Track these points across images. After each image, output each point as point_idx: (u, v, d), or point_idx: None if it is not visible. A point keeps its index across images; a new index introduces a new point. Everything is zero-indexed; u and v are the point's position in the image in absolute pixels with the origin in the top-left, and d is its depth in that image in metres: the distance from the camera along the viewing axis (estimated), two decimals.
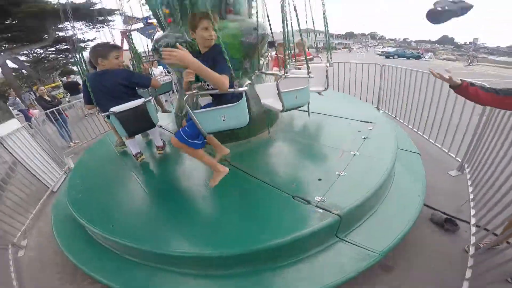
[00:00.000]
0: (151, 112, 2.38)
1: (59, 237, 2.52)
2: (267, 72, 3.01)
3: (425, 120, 3.78)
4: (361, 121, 3.27)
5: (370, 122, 3.20)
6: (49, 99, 6.40)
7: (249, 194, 2.18)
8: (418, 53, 34.25)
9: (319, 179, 2.18)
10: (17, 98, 11.30)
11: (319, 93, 3.45)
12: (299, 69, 3.17)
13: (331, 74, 3.45)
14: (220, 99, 1.87)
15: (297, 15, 2.56)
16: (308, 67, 2.52)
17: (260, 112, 3.08)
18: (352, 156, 2.49)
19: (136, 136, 2.92)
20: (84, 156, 3.85)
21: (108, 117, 2.26)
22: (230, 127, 1.85)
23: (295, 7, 2.56)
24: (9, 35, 15.62)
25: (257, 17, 2.64)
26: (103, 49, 2.25)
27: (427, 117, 3.72)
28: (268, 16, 2.74)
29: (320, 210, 1.84)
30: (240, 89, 1.73)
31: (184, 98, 1.77)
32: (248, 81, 2.32)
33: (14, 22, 14.01)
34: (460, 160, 3.16)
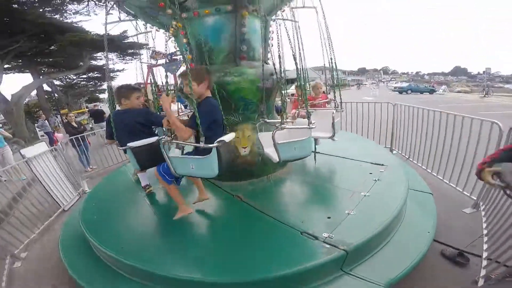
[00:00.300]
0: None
1: (64, 251, 2.75)
2: (268, 120, 3.13)
3: (439, 159, 3.84)
4: (372, 163, 3.40)
5: (382, 165, 3.31)
6: (76, 125, 6.94)
7: (259, 229, 2.33)
8: (431, 86, 34.36)
9: (328, 217, 2.30)
10: (46, 121, 11.94)
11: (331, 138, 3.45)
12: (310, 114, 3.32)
13: (343, 114, 3.64)
14: (196, 149, 2.25)
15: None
16: (309, 117, 2.53)
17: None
18: (362, 196, 2.60)
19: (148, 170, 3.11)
20: (102, 182, 4.17)
21: (125, 151, 2.53)
22: (198, 175, 2.22)
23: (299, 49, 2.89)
24: (50, 59, 17.20)
25: (273, 63, 2.84)
26: (126, 91, 2.60)
27: (441, 156, 3.80)
28: (280, 57, 2.72)
29: (327, 246, 1.95)
30: (210, 145, 1.98)
31: (161, 142, 2.14)
32: (230, 135, 2.31)
33: (56, 48, 15.36)
34: (475, 198, 3.18)
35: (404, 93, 30.48)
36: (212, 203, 2.90)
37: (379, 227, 2.13)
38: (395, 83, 46.94)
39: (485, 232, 2.53)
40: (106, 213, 3.01)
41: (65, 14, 14.70)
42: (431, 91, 30.58)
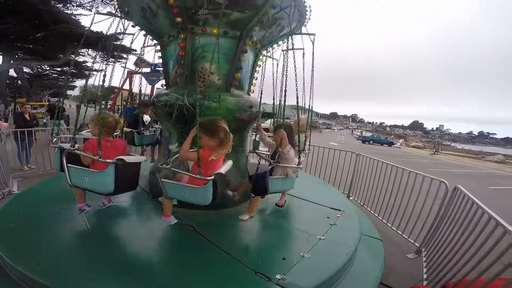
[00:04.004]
0: None
1: None
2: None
3: (390, 208, 4.21)
4: (331, 208, 3.56)
5: (339, 210, 3.48)
6: (28, 118, 6.25)
7: (210, 263, 2.23)
8: (391, 139, 37.81)
9: (283, 258, 2.34)
10: None
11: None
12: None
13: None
14: None
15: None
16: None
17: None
18: (317, 239, 2.69)
19: None
20: (36, 185, 3.69)
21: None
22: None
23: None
24: (31, 46, 15.97)
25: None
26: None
27: (392, 206, 4.17)
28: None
29: None
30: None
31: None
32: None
33: (42, 36, 14.50)
34: (418, 245, 3.51)
35: (367, 142, 33.10)
36: (161, 228, 2.71)
37: (330, 272, 2.22)
38: (360, 131, 50.77)
39: (425, 276, 2.80)
40: (28, 222, 2.59)
41: (68, 5, 14.22)
42: (390, 144, 33.79)
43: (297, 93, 2.87)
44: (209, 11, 2.68)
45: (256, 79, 3.73)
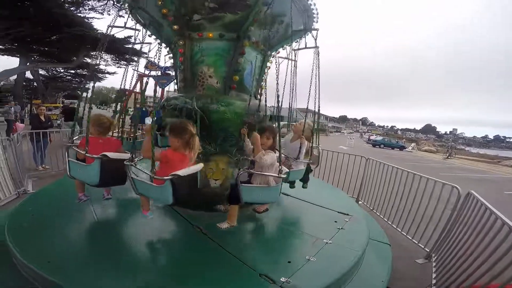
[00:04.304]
0: None
1: None
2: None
3: (400, 213, 4.11)
4: (338, 212, 3.53)
5: (347, 214, 3.44)
6: (44, 119, 6.43)
7: (215, 265, 2.25)
8: (402, 143, 36.97)
9: (289, 261, 2.33)
10: (12, 108, 11.40)
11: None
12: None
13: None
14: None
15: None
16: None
17: None
18: (324, 244, 2.67)
19: None
20: (50, 185, 3.79)
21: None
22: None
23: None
24: (46, 49, 16.54)
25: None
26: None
27: (403, 210, 4.07)
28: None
29: None
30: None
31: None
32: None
33: (56, 39, 14.97)
34: (428, 250, 3.43)
35: (377, 146, 32.40)
36: (168, 230, 2.80)
37: (336, 276, 2.20)
38: (370, 135, 50.00)
39: (434, 282, 2.73)
40: (41, 222, 2.67)
41: (80, 8, 14.62)
42: (402, 148, 32.85)
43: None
44: (202, 16, 2.77)
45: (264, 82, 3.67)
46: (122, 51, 17.32)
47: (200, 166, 2.49)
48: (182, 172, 2.17)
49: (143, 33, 3.26)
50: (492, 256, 2.19)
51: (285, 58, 3.58)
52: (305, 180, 3.56)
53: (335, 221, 3.26)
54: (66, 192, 3.40)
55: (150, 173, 2.13)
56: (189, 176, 2.31)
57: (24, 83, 18.96)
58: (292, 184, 3.61)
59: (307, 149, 3.31)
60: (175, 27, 2.71)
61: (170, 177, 2.06)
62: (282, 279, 2.06)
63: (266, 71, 3.58)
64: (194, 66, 3.12)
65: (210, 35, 2.95)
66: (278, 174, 2.44)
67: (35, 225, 2.62)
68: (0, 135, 4.44)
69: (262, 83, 3.54)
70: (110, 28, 2.61)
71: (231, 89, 3.16)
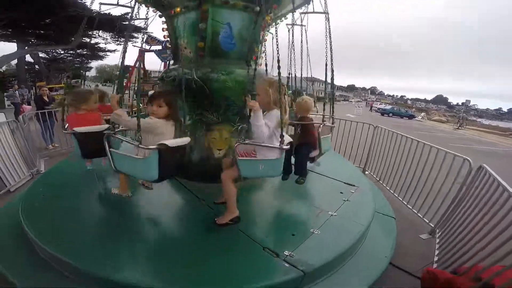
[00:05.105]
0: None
1: None
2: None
3: (407, 185, 4.02)
4: (345, 183, 3.46)
5: (353, 185, 3.38)
6: (47, 100, 6.63)
7: (219, 238, 2.24)
8: (412, 112, 36.11)
9: (293, 234, 2.31)
10: (17, 91, 11.80)
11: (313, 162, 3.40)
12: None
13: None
14: None
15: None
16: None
17: None
18: (329, 216, 2.64)
19: None
20: (59, 164, 3.82)
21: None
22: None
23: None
24: (42, 32, 16.28)
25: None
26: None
27: (410, 183, 3.97)
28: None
29: (286, 265, 1.94)
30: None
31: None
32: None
33: (50, 21, 14.68)
34: (432, 225, 3.37)
35: (386, 115, 31.72)
36: (173, 203, 2.87)
37: (340, 250, 2.18)
38: (379, 104, 48.77)
39: (436, 259, 2.71)
40: (52, 201, 2.69)
41: None
42: (411, 117, 32.19)
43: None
44: None
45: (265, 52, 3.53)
46: (120, 28, 16.75)
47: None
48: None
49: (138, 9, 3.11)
50: (500, 236, 2.08)
51: (292, 24, 3.32)
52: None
53: (341, 192, 3.21)
54: (74, 170, 3.49)
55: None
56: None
57: (26, 67, 18.93)
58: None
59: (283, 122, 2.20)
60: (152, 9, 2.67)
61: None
62: (286, 253, 2.05)
63: (262, 32, 3.22)
64: (176, 40, 3.18)
65: (178, 10, 2.97)
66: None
67: (47, 206, 2.62)
68: (6, 118, 4.43)
69: (258, 46, 3.22)
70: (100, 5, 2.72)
71: (200, 57, 3.01)
